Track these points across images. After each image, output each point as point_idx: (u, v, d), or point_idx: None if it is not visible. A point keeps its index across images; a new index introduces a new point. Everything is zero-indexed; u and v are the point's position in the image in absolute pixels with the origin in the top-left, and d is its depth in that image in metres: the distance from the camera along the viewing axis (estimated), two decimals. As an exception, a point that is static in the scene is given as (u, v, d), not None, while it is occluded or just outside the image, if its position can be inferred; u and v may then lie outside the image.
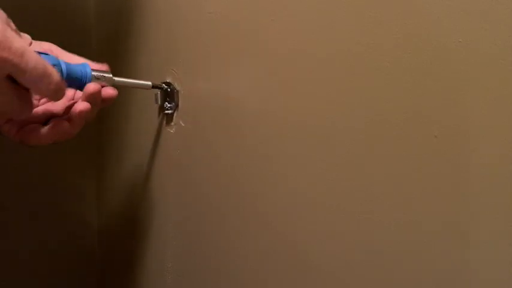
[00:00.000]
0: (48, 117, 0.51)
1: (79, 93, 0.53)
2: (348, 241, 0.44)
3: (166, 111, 0.62)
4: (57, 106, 0.52)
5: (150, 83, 0.59)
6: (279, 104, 0.49)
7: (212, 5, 0.55)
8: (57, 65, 0.46)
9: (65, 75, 0.48)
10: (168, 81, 0.61)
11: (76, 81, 0.50)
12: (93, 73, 0.52)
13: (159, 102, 0.62)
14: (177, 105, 0.61)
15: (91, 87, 0.50)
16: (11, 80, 0.41)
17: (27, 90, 0.44)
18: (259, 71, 0.51)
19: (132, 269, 0.74)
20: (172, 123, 0.62)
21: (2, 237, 0.74)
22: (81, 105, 0.49)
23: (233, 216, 0.56)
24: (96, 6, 0.78)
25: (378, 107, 0.41)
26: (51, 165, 0.77)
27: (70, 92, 0.53)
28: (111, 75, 0.54)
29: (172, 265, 0.66)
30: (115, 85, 0.55)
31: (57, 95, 0.45)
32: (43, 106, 0.52)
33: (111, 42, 0.75)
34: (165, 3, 0.63)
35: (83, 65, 0.51)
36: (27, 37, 0.45)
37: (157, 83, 0.61)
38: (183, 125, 0.61)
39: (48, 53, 0.49)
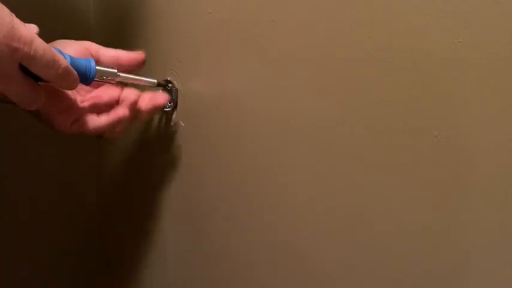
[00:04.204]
0: (96, 111, 0.55)
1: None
2: (349, 242, 0.44)
3: (166, 111, 0.62)
4: (102, 100, 0.55)
5: (155, 80, 0.59)
6: (279, 104, 0.49)
7: (212, 5, 0.55)
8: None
9: None
10: (168, 80, 0.61)
11: (80, 75, 0.50)
12: (98, 67, 0.52)
13: None
14: (176, 105, 0.61)
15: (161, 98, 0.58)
16: (23, 70, 0.44)
17: (37, 81, 0.46)
18: (259, 71, 0.51)
19: (133, 268, 0.74)
20: (172, 123, 0.62)
21: (1, 234, 0.74)
22: (133, 95, 0.55)
23: (233, 216, 0.56)
24: (96, 6, 0.78)
25: (378, 106, 0.41)
26: (52, 165, 0.77)
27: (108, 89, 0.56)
28: (115, 71, 0.54)
29: (172, 265, 0.66)
30: (120, 81, 0.56)
31: (66, 80, 0.47)
32: (90, 100, 0.55)
33: (111, 42, 0.75)
34: (165, 3, 0.63)
35: (88, 59, 0.51)
36: (33, 26, 0.47)
37: (162, 80, 0.61)
38: (183, 124, 0.61)
39: (86, 49, 0.53)
